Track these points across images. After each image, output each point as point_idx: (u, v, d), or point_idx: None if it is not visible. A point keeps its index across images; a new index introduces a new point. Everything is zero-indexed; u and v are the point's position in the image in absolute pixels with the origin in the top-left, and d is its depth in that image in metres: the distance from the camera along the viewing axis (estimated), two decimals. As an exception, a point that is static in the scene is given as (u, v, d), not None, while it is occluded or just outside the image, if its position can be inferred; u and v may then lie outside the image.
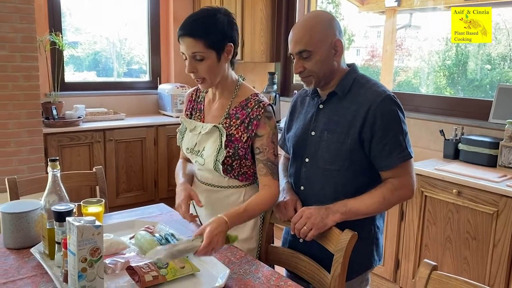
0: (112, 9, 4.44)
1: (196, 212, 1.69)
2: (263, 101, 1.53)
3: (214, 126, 1.53)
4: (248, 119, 1.51)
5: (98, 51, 4.59)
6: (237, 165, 1.54)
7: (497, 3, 3.04)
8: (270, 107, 1.54)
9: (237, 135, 1.52)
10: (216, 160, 1.51)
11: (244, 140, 1.51)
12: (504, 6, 3.09)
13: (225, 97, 1.58)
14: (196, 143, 1.59)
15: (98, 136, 3.72)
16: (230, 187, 1.59)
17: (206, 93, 1.67)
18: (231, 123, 1.53)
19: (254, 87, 1.72)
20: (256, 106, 1.51)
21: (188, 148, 1.62)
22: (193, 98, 1.71)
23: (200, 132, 1.57)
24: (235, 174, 1.56)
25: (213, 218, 1.37)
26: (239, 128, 1.52)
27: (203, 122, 1.62)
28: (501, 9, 3.06)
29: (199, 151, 1.58)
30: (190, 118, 1.68)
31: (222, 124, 1.54)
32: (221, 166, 1.50)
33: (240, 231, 1.57)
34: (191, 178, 1.69)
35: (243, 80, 1.63)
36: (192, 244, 1.29)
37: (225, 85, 1.56)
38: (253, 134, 1.51)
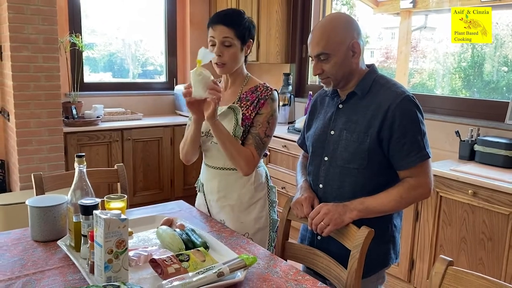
0: (127, 11, 4.50)
1: (205, 196, 1.83)
2: (270, 87, 1.74)
3: (229, 107, 1.69)
4: (257, 100, 1.70)
5: (113, 52, 4.66)
6: None
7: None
8: (276, 93, 1.74)
9: (247, 114, 1.69)
10: (234, 136, 1.66)
11: (253, 118, 1.69)
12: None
13: (236, 85, 1.77)
14: None
15: (116, 135, 3.80)
16: None
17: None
18: (242, 104, 1.71)
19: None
20: (264, 90, 1.72)
21: (203, 132, 1.74)
22: None
23: None
24: None
25: None
26: (249, 108, 1.70)
27: None
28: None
29: None
30: None
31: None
32: (239, 141, 1.65)
33: (250, 210, 1.75)
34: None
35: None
36: (206, 278, 1.23)
37: (238, 75, 1.77)
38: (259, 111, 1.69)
